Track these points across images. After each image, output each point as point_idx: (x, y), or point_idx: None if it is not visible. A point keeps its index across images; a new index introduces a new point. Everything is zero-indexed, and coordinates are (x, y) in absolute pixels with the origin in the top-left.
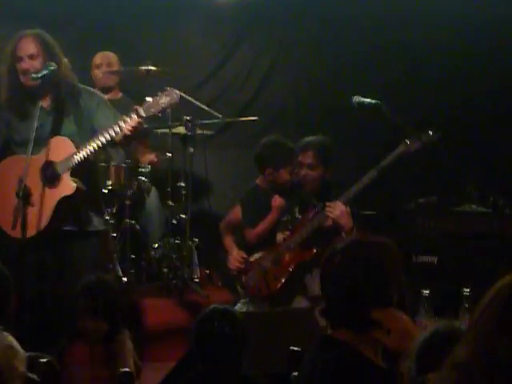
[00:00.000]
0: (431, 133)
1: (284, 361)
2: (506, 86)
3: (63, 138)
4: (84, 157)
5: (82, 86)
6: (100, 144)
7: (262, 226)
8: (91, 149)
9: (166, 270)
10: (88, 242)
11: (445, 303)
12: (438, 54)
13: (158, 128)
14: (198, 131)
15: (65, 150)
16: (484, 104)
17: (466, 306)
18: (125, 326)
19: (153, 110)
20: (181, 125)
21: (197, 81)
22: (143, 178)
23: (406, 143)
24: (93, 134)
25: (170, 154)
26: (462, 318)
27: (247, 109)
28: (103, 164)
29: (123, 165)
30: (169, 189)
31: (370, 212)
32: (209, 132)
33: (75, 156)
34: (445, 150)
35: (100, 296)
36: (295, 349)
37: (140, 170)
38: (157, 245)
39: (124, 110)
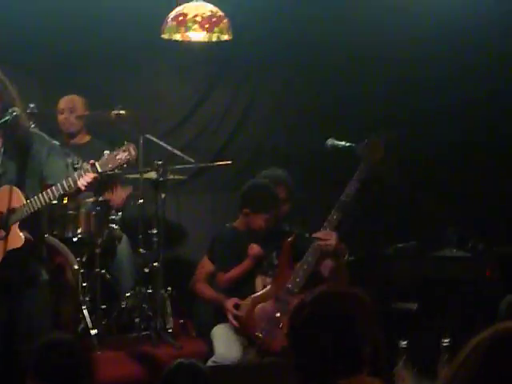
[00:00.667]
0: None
1: None
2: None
3: (12, 187)
4: (34, 209)
5: (34, 131)
6: (53, 197)
7: (236, 271)
8: (43, 202)
9: (137, 320)
10: (39, 293)
11: (424, 354)
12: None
13: (128, 174)
14: (170, 176)
15: (13, 201)
16: (464, 143)
17: (446, 357)
18: None
19: (110, 165)
20: (152, 170)
21: (170, 125)
22: (114, 226)
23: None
24: (39, 181)
25: (142, 200)
26: (441, 370)
27: (222, 153)
28: (72, 212)
29: (93, 212)
30: (140, 236)
31: (351, 258)
32: (181, 177)
33: (25, 208)
34: (423, 193)
35: (51, 360)
36: None
37: (111, 217)
38: (128, 294)
39: (93, 153)
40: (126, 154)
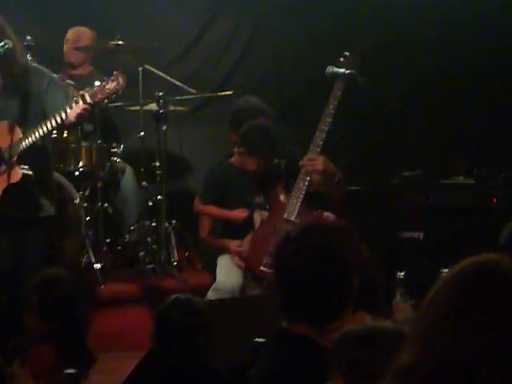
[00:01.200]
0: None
1: (249, 353)
2: (488, 61)
3: (9, 122)
4: (31, 143)
5: (33, 64)
6: (46, 130)
7: (216, 212)
8: (38, 135)
9: (142, 253)
10: (41, 229)
11: (425, 284)
12: (421, 24)
13: (128, 106)
14: (171, 108)
15: (11, 136)
16: (468, 77)
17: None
18: None
19: (99, 95)
20: (152, 102)
21: (172, 56)
22: (116, 159)
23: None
24: (41, 116)
25: (143, 133)
26: None
27: (226, 83)
28: (73, 145)
29: (95, 145)
30: (143, 169)
31: (353, 187)
32: (183, 109)
33: (22, 142)
34: (430, 124)
35: (49, 294)
36: (259, 340)
37: (112, 150)
38: (133, 228)
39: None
40: (115, 83)
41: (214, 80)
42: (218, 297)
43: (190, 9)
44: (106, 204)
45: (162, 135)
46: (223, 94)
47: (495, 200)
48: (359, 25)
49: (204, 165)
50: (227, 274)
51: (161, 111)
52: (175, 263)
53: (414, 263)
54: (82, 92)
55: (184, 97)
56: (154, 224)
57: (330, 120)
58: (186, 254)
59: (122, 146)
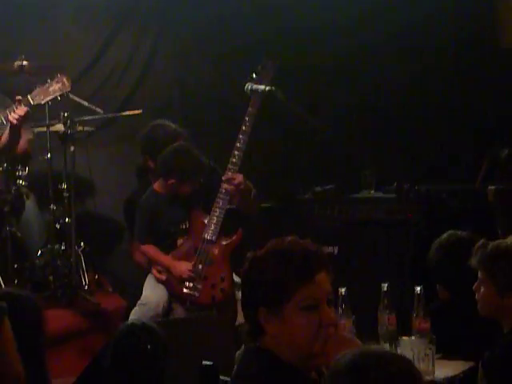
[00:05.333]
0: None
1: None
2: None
3: None
4: None
5: None
6: None
7: (157, 256)
8: None
9: (51, 278)
10: None
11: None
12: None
13: (34, 126)
14: (79, 128)
15: None
16: (381, 90)
17: (385, 302)
18: None
19: (43, 97)
20: (59, 122)
21: (74, 74)
22: (22, 182)
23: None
24: None
25: (49, 155)
26: (380, 316)
27: (128, 102)
28: None
29: (0, 169)
30: (50, 191)
31: (265, 205)
32: (90, 129)
33: None
34: (338, 137)
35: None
36: (208, 363)
37: (18, 173)
38: (40, 252)
39: None
40: (60, 85)
41: (116, 99)
42: (144, 312)
43: (90, 27)
44: (13, 229)
45: (69, 156)
46: (132, 113)
47: (411, 215)
48: (263, 42)
49: (111, 185)
50: (153, 289)
51: (68, 132)
52: (86, 287)
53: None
54: (18, 97)
55: (92, 117)
56: (63, 247)
57: (246, 138)
58: (96, 276)
59: (27, 169)
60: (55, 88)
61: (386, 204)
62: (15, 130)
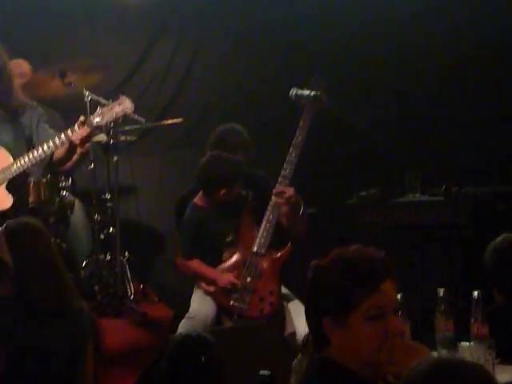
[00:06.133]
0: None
1: None
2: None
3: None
4: (23, 167)
5: (23, 99)
6: (43, 156)
7: (202, 270)
8: (31, 159)
9: (97, 288)
10: None
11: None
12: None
13: None
14: (122, 138)
15: (1, 161)
16: (421, 92)
17: (442, 307)
18: None
19: (106, 119)
20: (102, 133)
21: (113, 85)
22: (65, 193)
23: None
24: (30, 146)
25: (92, 165)
26: (438, 322)
27: (167, 111)
28: None
29: (43, 180)
30: (94, 202)
31: (310, 210)
32: (132, 138)
33: (13, 166)
34: (382, 141)
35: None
36: (265, 373)
37: (61, 184)
38: (85, 262)
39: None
40: (122, 107)
41: (156, 108)
42: (192, 325)
43: (127, 38)
44: (58, 240)
45: (112, 166)
46: (173, 121)
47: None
48: (301, 47)
49: (153, 194)
50: (201, 302)
51: (111, 142)
52: (132, 297)
53: None
54: (81, 118)
55: (134, 126)
56: (108, 257)
57: (297, 152)
58: (141, 286)
59: (70, 179)
60: (118, 110)
61: (434, 207)
62: (74, 149)
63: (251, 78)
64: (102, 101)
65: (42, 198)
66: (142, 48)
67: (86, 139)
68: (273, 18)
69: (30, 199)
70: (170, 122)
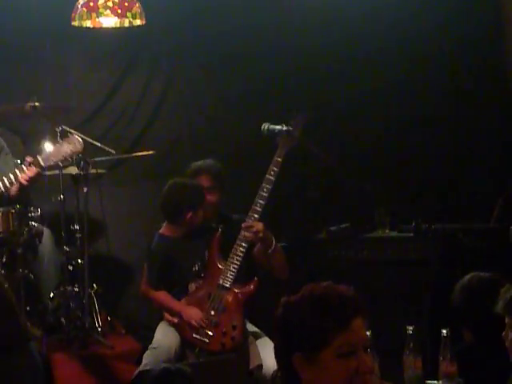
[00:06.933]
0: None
1: None
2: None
3: None
4: None
5: None
6: None
7: (168, 303)
8: None
9: (63, 320)
10: None
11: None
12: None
13: (47, 170)
14: (92, 170)
15: None
16: (392, 130)
17: (411, 345)
18: None
19: (53, 159)
20: (72, 164)
21: (84, 115)
22: (34, 223)
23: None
24: None
25: (62, 196)
26: (406, 358)
27: (139, 142)
28: None
29: (12, 210)
30: (63, 233)
31: (280, 244)
32: (103, 171)
33: None
34: (352, 174)
35: None
36: None
37: (30, 214)
38: (53, 294)
39: (6, 144)
40: (71, 146)
41: (127, 139)
42: (156, 355)
43: (100, 67)
44: (26, 270)
45: (82, 197)
46: (144, 153)
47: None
48: (274, 83)
49: (123, 225)
50: (165, 333)
51: (81, 173)
52: (99, 329)
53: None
54: (29, 159)
55: (104, 158)
56: (75, 289)
57: (269, 187)
58: (109, 319)
59: (39, 210)
60: (66, 150)
61: (403, 243)
62: (25, 189)
63: (223, 111)
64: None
65: (11, 228)
66: (115, 78)
67: (34, 179)
68: (247, 51)
69: None
70: (141, 154)
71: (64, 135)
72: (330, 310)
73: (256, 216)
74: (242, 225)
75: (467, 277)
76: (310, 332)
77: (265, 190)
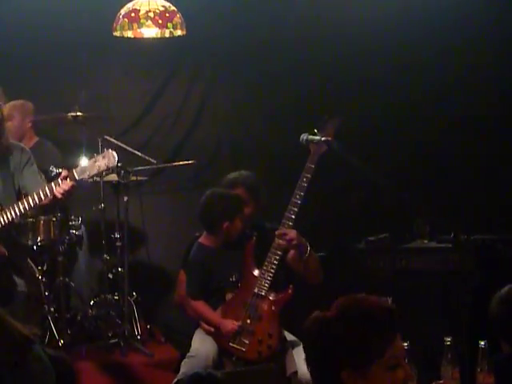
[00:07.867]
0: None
1: None
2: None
3: None
4: (10, 220)
5: (11, 141)
6: (28, 207)
7: (207, 314)
8: (18, 211)
9: (104, 328)
10: (16, 306)
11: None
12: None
13: (89, 178)
14: (132, 178)
15: None
16: (432, 141)
17: (449, 356)
18: None
19: (89, 173)
20: (113, 172)
21: (125, 125)
22: (75, 232)
23: (314, 142)
24: (16, 192)
25: (103, 205)
26: (444, 369)
27: (179, 151)
28: (31, 219)
29: (53, 219)
30: (103, 241)
31: (318, 254)
32: (142, 178)
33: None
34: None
35: None
36: None
37: (71, 223)
38: (93, 302)
39: (43, 154)
40: (106, 160)
41: (167, 148)
42: (194, 364)
43: (142, 77)
44: (67, 278)
45: (122, 206)
46: (185, 163)
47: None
48: (315, 92)
49: (162, 234)
50: (202, 341)
51: (122, 182)
52: (139, 337)
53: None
54: (64, 173)
55: (145, 167)
56: (115, 297)
57: (302, 194)
58: (148, 326)
59: (80, 218)
60: (101, 164)
61: (442, 254)
62: (58, 202)
63: (262, 120)
64: (116, 142)
65: (52, 236)
66: (155, 88)
67: (69, 192)
68: (286, 62)
69: (40, 237)
70: (181, 163)
71: (106, 145)
72: (381, 325)
73: (289, 223)
74: (276, 232)
75: (505, 288)
76: (361, 347)
77: (298, 196)
